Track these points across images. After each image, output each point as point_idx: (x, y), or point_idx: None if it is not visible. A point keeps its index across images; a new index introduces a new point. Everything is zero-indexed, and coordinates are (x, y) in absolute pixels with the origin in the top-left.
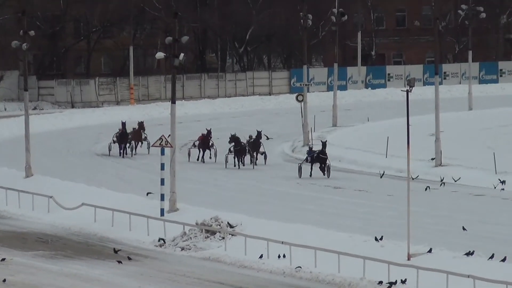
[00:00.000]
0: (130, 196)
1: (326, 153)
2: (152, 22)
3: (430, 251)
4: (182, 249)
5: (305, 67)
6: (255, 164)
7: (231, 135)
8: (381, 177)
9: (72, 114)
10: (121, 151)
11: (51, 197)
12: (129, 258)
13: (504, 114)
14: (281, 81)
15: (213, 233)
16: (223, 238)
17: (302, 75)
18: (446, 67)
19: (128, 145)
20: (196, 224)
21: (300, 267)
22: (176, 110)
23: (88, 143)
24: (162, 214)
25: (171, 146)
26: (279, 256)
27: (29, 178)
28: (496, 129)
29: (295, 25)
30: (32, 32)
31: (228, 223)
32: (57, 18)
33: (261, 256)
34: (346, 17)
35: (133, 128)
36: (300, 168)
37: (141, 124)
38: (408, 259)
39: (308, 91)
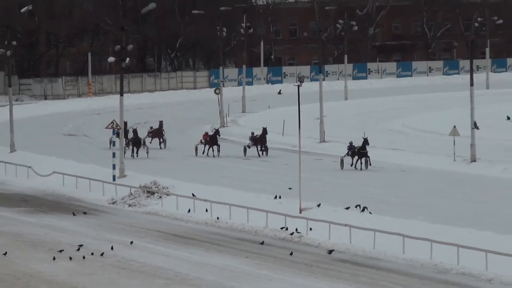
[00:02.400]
0: (90, 166)
1: (366, 148)
2: (105, 34)
3: (318, 205)
4: (129, 205)
5: (221, 68)
6: (266, 154)
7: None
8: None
9: (45, 104)
10: (134, 153)
11: (30, 167)
12: (84, 213)
13: (371, 102)
14: (203, 78)
15: (152, 193)
16: (160, 197)
17: (219, 74)
18: (327, 67)
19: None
20: (140, 187)
21: (218, 218)
22: (124, 101)
23: (58, 126)
24: (114, 179)
25: (120, 128)
26: (206, 210)
27: (13, 153)
28: (366, 113)
29: (214, 36)
30: (14, 42)
31: (163, 186)
32: (33, 32)
33: (189, 211)
34: (251, 29)
35: (151, 127)
36: (342, 161)
37: (161, 123)
38: (300, 212)
39: (223, 86)
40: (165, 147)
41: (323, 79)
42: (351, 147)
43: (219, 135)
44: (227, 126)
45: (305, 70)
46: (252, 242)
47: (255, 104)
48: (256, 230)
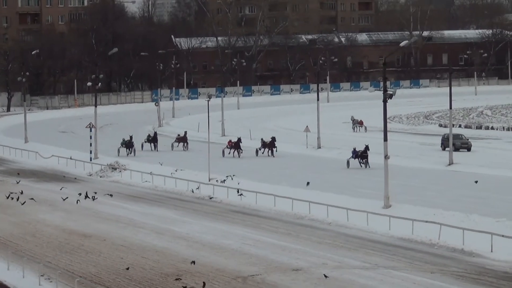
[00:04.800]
0: (76, 151)
1: (367, 152)
2: (85, 68)
3: (227, 178)
4: (100, 177)
5: (159, 89)
6: (273, 155)
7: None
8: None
9: (47, 112)
10: (154, 149)
11: (37, 152)
12: (75, 179)
13: (254, 111)
14: (147, 96)
15: (115, 169)
16: (120, 171)
17: (158, 93)
18: (227, 89)
19: (177, 144)
20: (107, 164)
21: (157, 186)
22: (97, 110)
23: (55, 126)
24: (90, 160)
25: (94, 127)
26: (151, 181)
27: (26, 143)
28: (251, 118)
29: (154, 69)
30: (27, 73)
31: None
32: (39, 66)
33: (146, 181)
34: (178, 65)
35: (178, 134)
36: (348, 162)
37: (185, 132)
38: (209, 180)
39: (160, 101)
40: (187, 149)
41: (224, 96)
42: (354, 151)
43: (241, 142)
44: (163, 126)
45: (212, 90)
46: (180, 200)
47: (180, 112)
48: (181, 192)
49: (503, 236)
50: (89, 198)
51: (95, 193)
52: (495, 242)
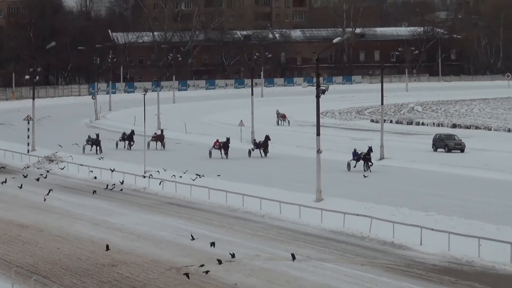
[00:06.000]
0: (13, 143)
1: (370, 155)
2: (23, 61)
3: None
4: (38, 168)
5: (96, 83)
6: (266, 156)
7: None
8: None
9: None
10: (127, 146)
11: None
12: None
13: (190, 105)
14: (85, 89)
15: (52, 161)
16: (57, 163)
17: (95, 86)
18: (163, 83)
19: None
20: (44, 157)
21: (96, 177)
22: (35, 103)
23: None
24: (28, 152)
25: (32, 119)
26: (87, 172)
27: None
28: (187, 112)
29: (92, 63)
30: None
31: (59, 156)
32: None
33: (90, 174)
34: (115, 59)
35: (155, 133)
36: (349, 164)
37: (162, 131)
38: (144, 173)
39: (97, 94)
40: (164, 148)
41: (160, 90)
42: (355, 153)
43: (229, 142)
44: (99, 119)
45: (148, 85)
46: (116, 192)
47: (117, 106)
48: (117, 184)
49: (432, 229)
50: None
51: (38, 179)
52: (424, 236)
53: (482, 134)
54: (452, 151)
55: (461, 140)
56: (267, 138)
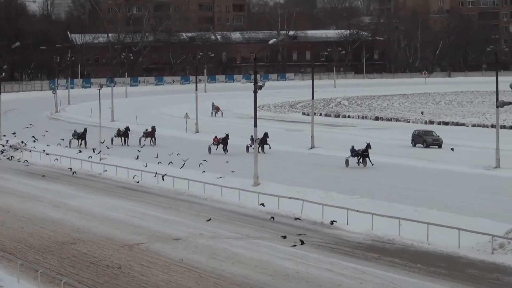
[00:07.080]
0: None
1: (368, 151)
2: None
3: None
4: (4, 156)
5: (56, 79)
6: (263, 152)
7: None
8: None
9: None
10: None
11: None
12: None
13: (141, 99)
14: (46, 85)
15: (17, 149)
16: (21, 151)
17: (55, 82)
18: (116, 79)
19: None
20: (10, 146)
21: (56, 160)
22: (1, 97)
23: None
24: None
25: None
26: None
27: None
28: (138, 106)
29: (52, 61)
30: None
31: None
32: None
33: (52, 162)
34: (74, 58)
35: (146, 129)
36: (347, 161)
37: (153, 127)
38: (100, 160)
39: (57, 89)
40: (155, 144)
41: (113, 86)
42: (353, 150)
43: (228, 138)
44: (59, 112)
45: (103, 81)
46: (76, 178)
47: (75, 100)
48: (77, 170)
49: (357, 211)
50: None
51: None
52: (350, 216)
53: (403, 126)
54: (430, 146)
55: (438, 136)
56: (266, 135)
